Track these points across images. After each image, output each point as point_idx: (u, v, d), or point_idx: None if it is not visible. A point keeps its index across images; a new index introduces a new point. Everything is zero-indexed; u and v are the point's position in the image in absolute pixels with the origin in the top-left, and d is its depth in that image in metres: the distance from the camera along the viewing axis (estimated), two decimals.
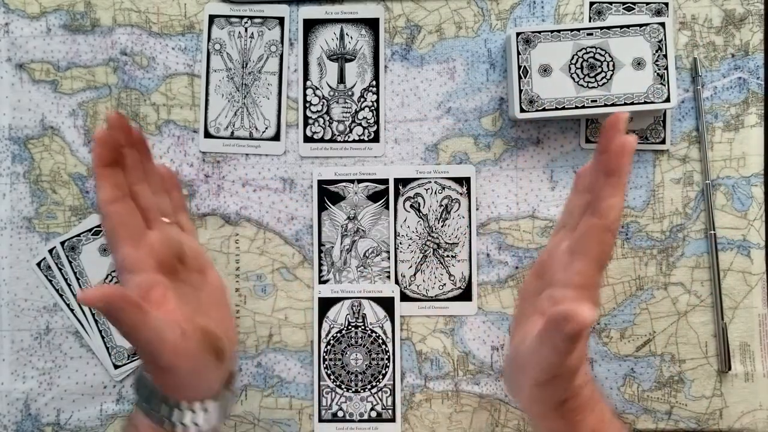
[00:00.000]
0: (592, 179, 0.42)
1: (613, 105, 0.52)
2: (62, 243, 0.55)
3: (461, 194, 0.56)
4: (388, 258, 0.56)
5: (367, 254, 0.56)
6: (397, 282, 0.56)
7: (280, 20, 0.56)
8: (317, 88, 0.56)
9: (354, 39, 0.56)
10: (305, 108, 0.56)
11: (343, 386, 0.55)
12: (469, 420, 0.55)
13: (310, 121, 0.56)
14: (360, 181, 0.56)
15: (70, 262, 0.55)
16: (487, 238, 0.56)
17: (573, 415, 0.41)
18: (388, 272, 0.56)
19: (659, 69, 0.52)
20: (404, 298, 0.55)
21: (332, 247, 0.56)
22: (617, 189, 0.39)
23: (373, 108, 0.56)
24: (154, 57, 0.56)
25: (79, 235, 0.55)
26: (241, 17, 0.56)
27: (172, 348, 0.39)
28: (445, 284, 0.56)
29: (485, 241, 0.56)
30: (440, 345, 0.55)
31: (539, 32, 0.53)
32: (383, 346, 0.55)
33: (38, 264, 0.55)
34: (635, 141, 0.38)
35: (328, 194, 0.56)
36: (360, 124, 0.56)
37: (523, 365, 0.42)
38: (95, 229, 0.55)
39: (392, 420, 0.55)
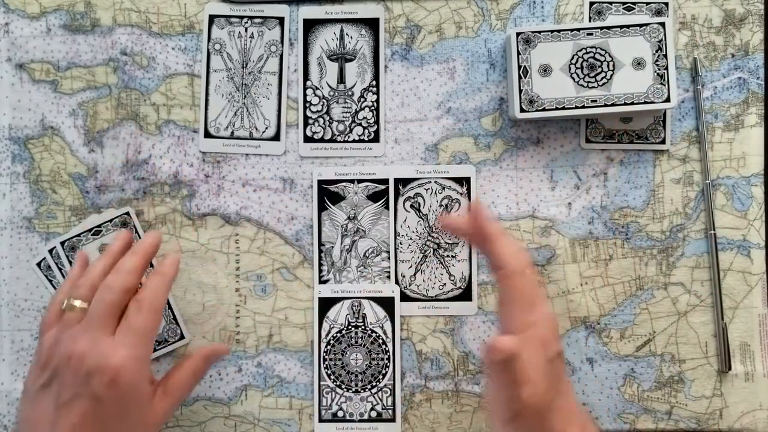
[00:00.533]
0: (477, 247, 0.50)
1: (613, 105, 0.52)
2: (62, 243, 0.55)
3: (461, 194, 0.56)
4: (388, 258, 0.56)
5: (367, 254, 0.56)
6: (397, 282, 0.56)
7: (280, 20, 0.56)
8: (317, 88, 0.56)
9: (354, 39, 0.56)
10: (305, 108, 0.56)
11: (343, 386, 0.55)
12: (469, 420, 0.55)
13: (310, 121, 0.56)
14: (360, 181, 0.56)
15: (70, 262, 0.55)
16: None
17: None
18: (388, 272, 0.56)
19: (659, 69, 0.52)
20: (404, 298, 0.55)
21: (332, 247, 0.56)
22: (497, 242, 0.45)
23: (373, 108, 0.56)
24: (154, 57, 0.56)
25: (79, 235, 0.55)
26: (241, 17, 0.56)
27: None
28: (445, 284, 0.56)
29: None
30: (440, 345, 0.55)
31: (539, 32, 0.53)
32: (383, 346, 0.55)
33: (38, 264, 0.55)
34: (480, 205, 0.48)
35: (328, 194, 0.56)
36: (360, 124, 0.56)
37: (492, 409, 0.45)
38: (95, 229, 0.55)
39: (392, 420, 0.55)
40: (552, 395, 0.42)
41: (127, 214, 0.55)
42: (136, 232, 0.55)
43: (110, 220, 0.55)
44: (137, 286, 0.46)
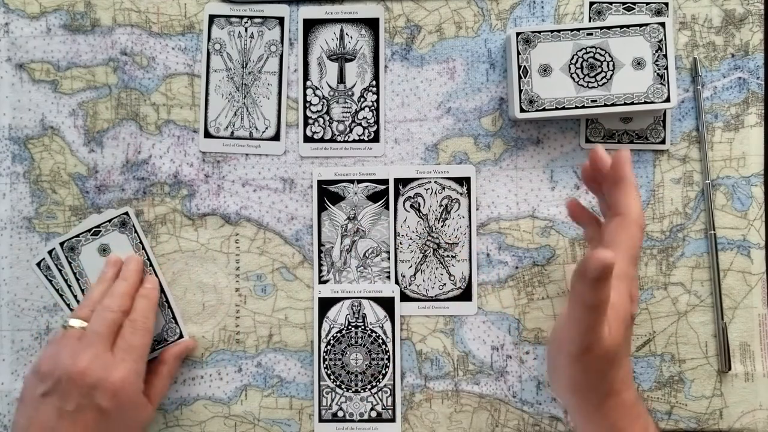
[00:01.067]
0: (603, 200, 0.47)
1: (613, 105, 0.52)
2: (61, 244, 0.55)
3: (461, 194, 0.56)
4: (388, 258, 0.56)
5: (367, 254, 0.56)
6: (397, 282, 0.56)
7: (280, 20, 0.56)
8: (317, 88, 0.56)
9: (354, 39, 0.56)
10: (305, 108, 0.56)
11: (343, 386, 0.55)
12: (469, 420, 0.55)
13: (310, 121, 0.56)
14: (360, 181, 0.56)
15: (69, 263, 0.55)
16: (487, 238, 0.56)
17: (617, 418, 0.41)
18: (388, 272, 0.56)
19: (659, 69, 0.52)
20: (404, 298, 0.55)
21: (332, 247, 0.56)
22: (630, 190, 0.44)
23: (373, 108, 0.56)
24: (154, 57, 0.56)
25: (78, 236, 0.55)
26: (241, 17, 0.56)
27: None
28: (445, 284, 0.56)
29: (485, 241, 0.56)
30: (440, 345, 0.55)
31: (539, 32, 0.53)
32: (383, 346, 0.55)
33: (38, 264, 0.55)
34: (629, 152, 0.45)
35: (328, 194, 0.56)
36: (360, 124, 0.56)
37: (560, 343, 0.43)
38: (94, 229, 0.55)
39: (392, 420, 0.55)
40: (624, 347, 0.43)
41: (126, 214, 0.55)
42: (135, 232, 0.55)
43: (109, 220, 0.55)
44: (130, 307, 0.51)
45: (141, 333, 0.50)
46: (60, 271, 0.55)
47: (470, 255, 0.56)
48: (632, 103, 0.52)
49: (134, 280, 0.53)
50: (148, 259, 0.55)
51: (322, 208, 0.56)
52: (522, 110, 0.53)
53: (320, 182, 0.56)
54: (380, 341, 0.55)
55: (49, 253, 0.55)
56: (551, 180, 0.56)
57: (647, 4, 0.55)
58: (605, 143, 0.55)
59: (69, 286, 0.55)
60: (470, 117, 0.56)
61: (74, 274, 0.55)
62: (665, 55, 0.52)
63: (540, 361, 0.55)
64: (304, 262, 0.56)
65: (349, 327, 0.55)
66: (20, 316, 0.55)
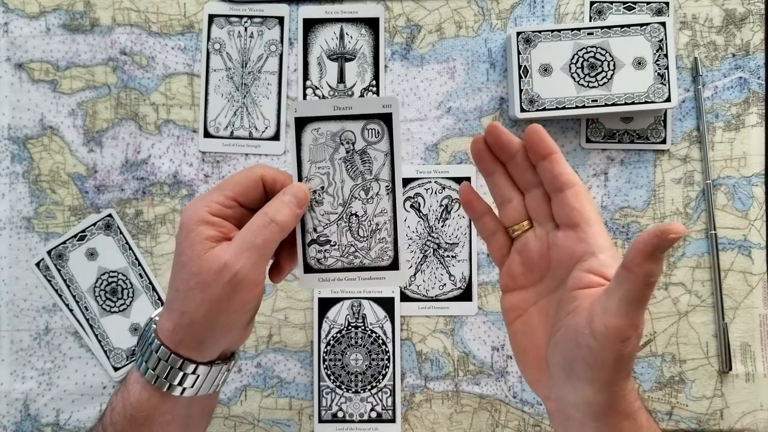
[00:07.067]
0: (497, 184, 0.42)
1: (613, 104, 0.52)
2: (49, 252, 0.55)
3: None
4: None
5: None
6: None
7: (280, 20, 0.56)
8: (317, 88, 0.56)
9: (354, 38, 0.56)
10: None
11: (343, 387, 0.55)
12: (470, 420, 0.55)
13: None
14: None
15: (59, 271, 0.55)
16: None
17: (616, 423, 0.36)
18: None
19: (660, 68, 0.52)
20: (404, 298, 0.55)
21: None
22: (563, 160, 0.38)
23: None
24: (153, 56, 0.56)
25: (65, 242, 0.55)
26: (241, 17, 0.56)
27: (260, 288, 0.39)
28: (445, 284, 0.55)
29: None
30: (440, 345, 0.55)
31: (540, 32, 0.52)
32: (383, 347, 0.55)
33: (37, 264, 0.55)
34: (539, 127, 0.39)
35: None
36: None
37: (571, 358, 0.35)
38: (80, 234, 0.55)
39: (392, 420, 0.55)
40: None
41: (110, 216, 0.55)
42: (121, 233, 0.55)
43: (94, 224, 0.55)
44: None
45: None
46: (59, 271, 0.55)
47: (470, 255, 0.55)
48: (633, 103, 0.52)
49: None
50: (137, 259, 0.55)
51: None
52: (522, 110, 0.52)
53: None
54: (380, 341, 0.55)
55: (49, 253, 0.55)
56: None
57: (648, 3, 0.55)
58: (606, 143, 0.55)
59: (68, 287, 0.55)
60: (470, 117, 0.56)
61: (64, 281, 0.55)
62: (666, 55, 0.52)
63: None
64: None
65: (349, 327, 0.55)
66: (19, 316, 0.55)
